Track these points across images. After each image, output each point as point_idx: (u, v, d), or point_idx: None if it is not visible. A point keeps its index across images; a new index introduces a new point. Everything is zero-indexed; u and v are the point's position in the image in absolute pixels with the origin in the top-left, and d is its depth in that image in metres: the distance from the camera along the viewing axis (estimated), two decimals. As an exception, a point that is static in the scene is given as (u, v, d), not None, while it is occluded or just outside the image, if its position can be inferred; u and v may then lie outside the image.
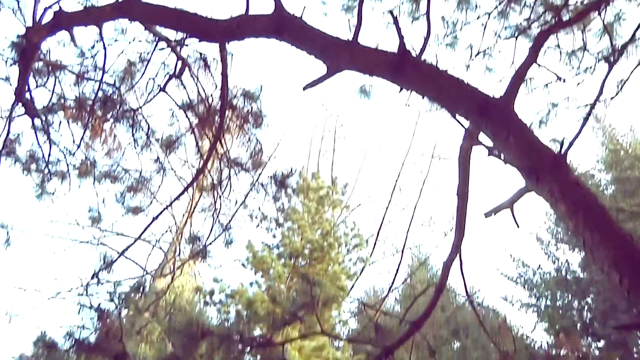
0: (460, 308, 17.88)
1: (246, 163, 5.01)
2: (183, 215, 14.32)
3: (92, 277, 4.75)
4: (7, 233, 6.73)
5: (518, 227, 3.40)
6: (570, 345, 3.78)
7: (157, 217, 4.93)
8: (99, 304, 4.72)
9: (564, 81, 4.85)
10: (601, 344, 19.46)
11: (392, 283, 9.97)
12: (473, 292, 17.76)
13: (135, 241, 4.94)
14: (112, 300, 4.65)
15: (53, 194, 6.62)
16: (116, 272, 5.50)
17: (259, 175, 4.93)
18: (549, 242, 21.06)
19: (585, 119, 3.74)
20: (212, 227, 5.38)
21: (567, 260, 20.56)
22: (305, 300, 4.28)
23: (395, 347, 3.96)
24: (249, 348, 4.30)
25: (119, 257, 4.77)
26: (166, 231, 10.19)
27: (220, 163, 5.03)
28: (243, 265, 12.76)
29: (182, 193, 4.73)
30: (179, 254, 10.82)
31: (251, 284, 12.04)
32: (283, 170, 4.82)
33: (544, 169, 2.59)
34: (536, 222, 21.72)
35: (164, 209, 5.09)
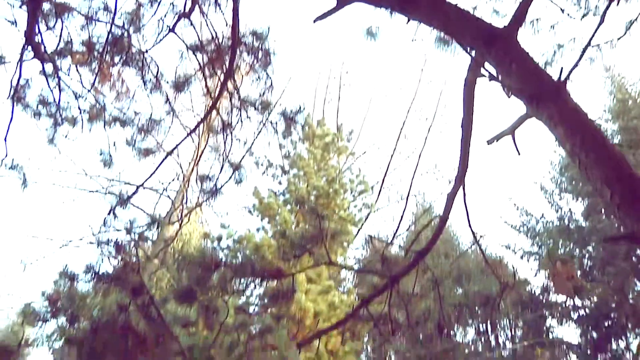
0: (463, 255, 18.23)
1: (256, 101, 5.10)
2: (189, 164, 14.52)
3: (109, 213, 4.94)
4: (24, 175, 6.90)
5: (519, 154, 3.52)
6: (566, 272, 3.96)
7: (172, 151, 5.09)
8: (117, 239, 4.93)
9: (569, 16, 4.86)
10: (600, 290, 19.91)
11: (397, 230, 10.13)
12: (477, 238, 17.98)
13: (150, 175, 5.10)
14: (128, 234, 4.85)
15: (66, 136, 6.75)
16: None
17: (269, 113, 5.03)
18: (553, 191, 21.24)
19: (585, 47, 3.81)
20: (222, 166, 5.52)
21: (570, 209, 20.78)
22: (313, 233, 4.45)
23: (400, 275, 4.17)
24: (259, 279, 4.51)
25: (136, 191, 4.95)
26: (173, 179, 10.38)
27: (230, 101, 5.13)
28: (250, 212, 13.02)
29: (197, 127, 4.86)
30: (186, 202, 11.05)
31: (258, 229, 12.32)
32: (292, 107, 4.91)
33: (544, 94, 2.70)
34: (541, 172, 21.87)
35: (178, 144, 5.22)
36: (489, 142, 3.53)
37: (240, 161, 5.48)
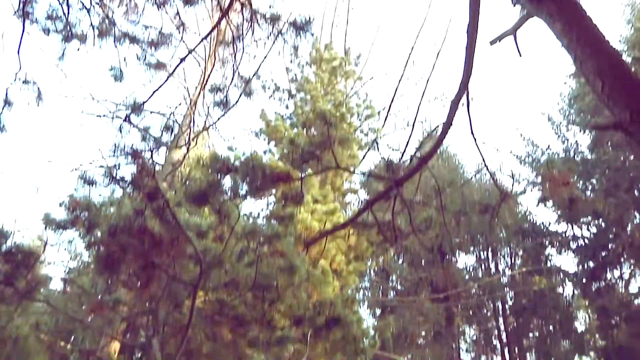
0: (467, 184, 18.49)
1: (266, 14, 5.14)
2: (196, 88, 14.57)
3: (124, 120, 5.11)
4: (38, 89, 7.03)
5: (520, 55, 3.63)
6: (562, 178, 4.14)
7: (184, 58, 5.19)
8: (132, 144, 5.12)
9: None
10: (601, 222, 20.31)
11: (402, 156, 10.24)
12: (479, 168, 18.23)
13: (166, 80, 5.23)
14: (144, 139, 5.04)
15: (78, 49, 6.82)
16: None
17: (279, 25, 5.08)
18: (560, 123, 21.23)
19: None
20: (232, 78, 5.64)
21: (576, 141, 20.85)
22: (322, 139, 4.63)
23: (404, 179, 4.38)
24: (269, 182, 4.74)
25: (150, 96, 5.09)
26: (180, 104, 10.48)
27: (241, 12, 5.17)
28: (256, 135, 13.19)
29: (208, 35, 4.94)
30: (194, 125, 11.22)
31: (265, 152, 12.53)
32: (302, 18, 4.95)
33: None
34: (549, 103, 21.81)
35: (190, 51, 5.32)
36: (492, 42, 3.62)
37: (254, 75, 5.58)
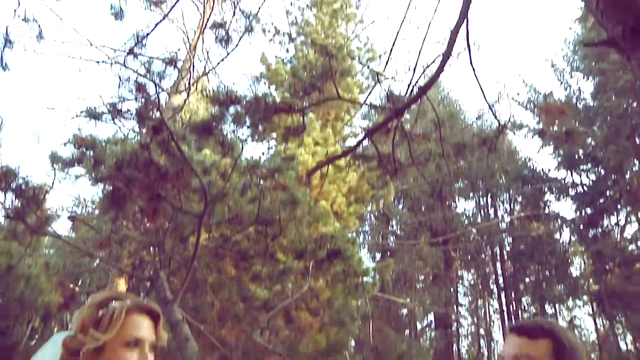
0: (468, 129, 18.54)
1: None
2: (195, 32, 14.40)
3: (128, 53, 5.14)
4: (39, 26, 7.00)
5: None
6: (558, 108, 4.21)
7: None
8: (137, 77, 5.18)
9: None
10: (600, 169, 20.46)
11: (408, 91, 10.20)
12: (481, 113, 18.26)
13: (166, 14, 5.23)
14: (148, 72, 5.09)
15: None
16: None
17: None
18: (564, 69, 21.06)
19: None
20: (234, 13, 5.62)
21: (579, 88, 20.75)
22: (323, 70, 4.69)
23: (403, 108, 4.46)
24: (272, 113, 4.82)
25: (152, 30, 5.11)
26: (179, 49, 10.39)
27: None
28: (257, 79, 13.15)
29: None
30: (194, 70, 11.17)
31: (266, 95, 12.48)
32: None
33: None
34: (553, 49, 21.59)
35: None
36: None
37: (257, 12, 5.55)
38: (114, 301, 1.41)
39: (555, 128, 5.11)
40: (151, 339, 1.43)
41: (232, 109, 4.81)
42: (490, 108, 4.55)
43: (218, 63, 8.08)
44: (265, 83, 12.84)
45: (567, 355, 1.39)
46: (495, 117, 4.93)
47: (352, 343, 11.81)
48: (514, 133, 5.19)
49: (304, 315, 7.24)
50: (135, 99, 5.00)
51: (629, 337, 19.61)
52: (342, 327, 6.31)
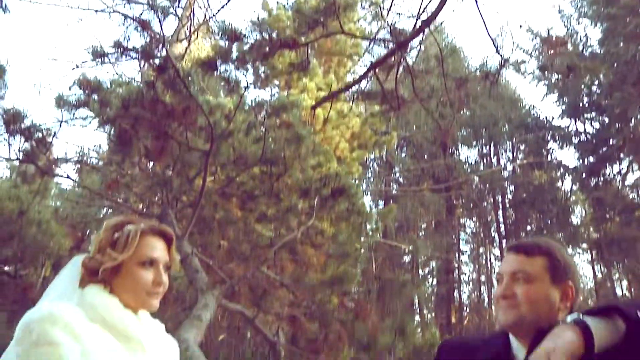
0: (471, 79, 18.37)
1: None
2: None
3: (128, 2, 5.13)
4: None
5: None
6: (559, 41, 4.24)
7: None
8: (141, 14, 5.20)
9: None
10: (605, 118, 20.36)
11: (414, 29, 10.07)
12: (485, 60, 18.04)
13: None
14: (152, 9, 5.10)
15: None
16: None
17: None
18: (571, 15, 20.66)
19: None
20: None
21: (586, 34, 20.41)
22: (326, 5, 4.70)
23: (407, 40, 4.50)
24: (276, 48, 4.87)
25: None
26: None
27: None
28: (258, 25, 12.95)
29: None
30: (194, 18, 11.03)
31: (269, 41, 12.39)
32: None
33: None
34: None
35: None
36: None
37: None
38: (128, 224, 1.50)
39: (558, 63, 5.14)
40: (165, 259, 1.52)
41: (236, 48, 4.84)
42: (492, 42, 4.59)
43: (219, 10, 8.01)
44: (267, 30, 12.66)
45: (561, 270, 1.44)
46: (497, 51, 4.97)
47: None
48: (517, 71, 5.22)
49: (309, 251, 7.47)
50: (140, 33, 5.02)
51: (625, 283, 20.04)
52: (347, 258, 6.53)
